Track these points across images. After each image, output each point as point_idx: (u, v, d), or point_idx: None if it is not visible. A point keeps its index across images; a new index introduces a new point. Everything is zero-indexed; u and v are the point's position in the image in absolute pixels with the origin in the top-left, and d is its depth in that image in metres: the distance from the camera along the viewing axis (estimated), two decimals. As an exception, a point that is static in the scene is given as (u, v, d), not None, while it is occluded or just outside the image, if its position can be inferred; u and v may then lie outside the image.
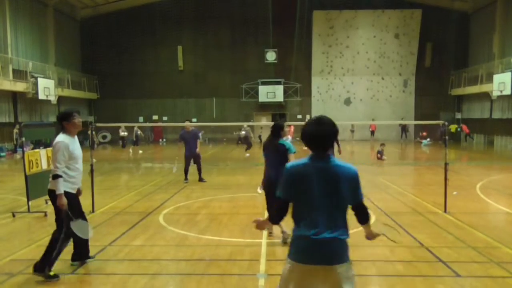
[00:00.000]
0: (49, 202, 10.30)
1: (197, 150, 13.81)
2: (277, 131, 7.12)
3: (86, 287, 5.46)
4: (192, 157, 13.76)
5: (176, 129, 35.41)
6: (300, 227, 3.31)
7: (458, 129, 33.15)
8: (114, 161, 21.87)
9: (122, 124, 19.06)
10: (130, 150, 27.65)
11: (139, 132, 31.94)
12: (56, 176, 5.60)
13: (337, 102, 38.95)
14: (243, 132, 30.56)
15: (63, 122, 5.85)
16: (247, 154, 23.84)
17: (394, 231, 4.45)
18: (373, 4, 36.31)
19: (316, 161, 3.34)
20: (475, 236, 7.53)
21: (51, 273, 5.63)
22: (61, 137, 5.75)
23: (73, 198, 5.81)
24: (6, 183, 14.64)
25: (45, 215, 9.20)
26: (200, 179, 13.86)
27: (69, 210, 5.66)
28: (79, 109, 36.69)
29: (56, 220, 5.83)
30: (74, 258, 6.15)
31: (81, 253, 6.18)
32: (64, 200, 5.61)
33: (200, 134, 15.00)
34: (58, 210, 5.74)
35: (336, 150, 13.67)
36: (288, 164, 3.46)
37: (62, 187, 5.61)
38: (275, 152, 7.08)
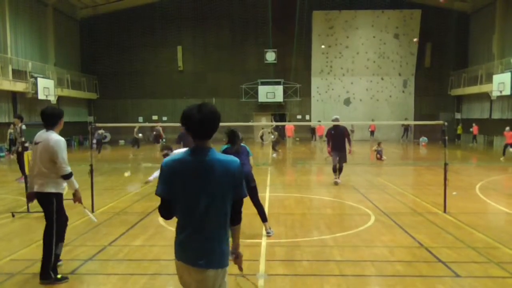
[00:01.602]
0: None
1: None
2: (232, 138, 7.41)
3: (85, 287, 5.46)
4: None
5: (176, 130, 35.40)
6: (177, 225, 3.12)
7: (470, 130, 32.87)
8: (134, 161, 21.86)
9: (137, 125, 19.12)
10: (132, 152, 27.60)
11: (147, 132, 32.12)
12: (68, 175, 5.53)
13: (336, 102, 38.96)
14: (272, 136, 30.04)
15: (59, 119, 5.77)
16: (274, 155, 23.47)
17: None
18: (373, 4, 36.33)
19: (194, 154, 3.14)
20: (475, 236, 7.54)
21: (59, 276, 5.59)
22: (56, 135, 5.60)
23: (62, 200, 5.75)
24: (5, 183, 14.64)
25: (45, 215, 9.20)
26: None
27: (56, 212, 5.59)
28: (78, 109, 36.83)
29: (46, 221, 5.71)
30: None
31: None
32: (80, 194, 5.74)
33: None
34: (48, 212, 5.62)
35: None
36: (165, 159, 3.22)
37: (76, 183, 5.67)
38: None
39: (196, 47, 38.74)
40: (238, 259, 3.51)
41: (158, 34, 38.06)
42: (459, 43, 36.94)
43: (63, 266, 6.05)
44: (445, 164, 9.44)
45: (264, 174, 15.76)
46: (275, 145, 24.25)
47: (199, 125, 3.09)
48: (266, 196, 11.49)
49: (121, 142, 37.09)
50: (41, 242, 7.27)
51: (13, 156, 18.77)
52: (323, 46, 37.87)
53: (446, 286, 5.36)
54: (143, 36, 37.98)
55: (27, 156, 9.34)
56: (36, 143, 5.63)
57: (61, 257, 5.94)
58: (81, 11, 37.84)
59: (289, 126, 29.36)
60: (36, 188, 5.60)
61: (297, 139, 34.50)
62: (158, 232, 7.94)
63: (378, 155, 20.74)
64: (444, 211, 9.29)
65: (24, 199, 9.60)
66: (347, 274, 5.75)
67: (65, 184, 5.73)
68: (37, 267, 6.07)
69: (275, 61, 37.89)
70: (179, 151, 7.16)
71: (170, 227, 8.29)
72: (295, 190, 12.87)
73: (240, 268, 3.58)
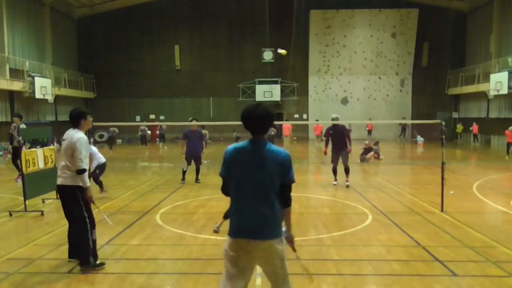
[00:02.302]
0: (47, 201, 10.37)
1: (204, 150, 13.80)
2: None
3: (83, 286, 5.45)
4: (193, 157, 13.46)
5: (174, 128, 35.48)
6: (233, 204, 3.67)
7: (470, 128, 32.84)
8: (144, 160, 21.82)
9: (144, 123, 19.40)
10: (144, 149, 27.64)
11: (148, 132, 32.35)
12: (82, 171, 5.78)
13: (334, 101, 38.99)
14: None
15: (82, 120, 6.06)
16: None
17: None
18: (370, 3, 36.37)
19: (252, 145, 3.66)
20: (472, 235, 7.55)
21: (98, 262, 5.97)
22: (81, 133, 5.96)
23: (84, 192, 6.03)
24: (3, 182, 14.60)
25: (42, 214, 9.20)
26: (197, 180, 13.73)
27: (84, 203, 5.93)
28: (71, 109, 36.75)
29: (72, 214, 5.96)
30: (72, 255, 6.17)
31: (78, 250, 6.20)
32: (92, 192, 5.94)
33: (205, 136, 14.77)
34: (75, 204, 5.88)
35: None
36: (228, 147, 3.77)
37: (88, 180, 5.88)
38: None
39: (194, 46, 38.72)
40: (290, 240, 3.90)
41: (156, 33, 38.05)
42: (457, 42, 37.02)
43: (61, 264, 6.05)
44: (443, 163, 9.46)
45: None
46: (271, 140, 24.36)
47: (256, 122, 3.68)
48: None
49: (119, 141, 37.04)
50: (38, 241, 7.30)
51: (9, 156, 18.73)
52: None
53: (443, 285, 5.37)
54: (141, 35, 37.95)
55: (25, 155, 9.32)
56: (64, 140, 6.02)
57: (59, 256, 5.97)
58: (78, 10, 37.79)
59: (286, 125, 29.37)
60: (61, 182, 5.94)
61: (294, 138, 34.53)
62: (155, 232, 7.93)
63: (376, 154, 20.72)
64: (442, 210, 9.30)
65: (21, 198, 9.59)
66: (344, 273, 5.75)
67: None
68: (34, 267, 6.09)
69: (272, 60, 37.88)
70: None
71: (167, 226, 8.30)
72: (292, 189, 12.83)
73: (293, 249, 3.98)
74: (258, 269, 5.92)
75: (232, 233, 3.63)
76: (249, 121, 3.70)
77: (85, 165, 5.84)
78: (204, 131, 24.93)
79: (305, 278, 4.60)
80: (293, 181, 3.72)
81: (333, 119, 13.39)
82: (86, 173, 5.84)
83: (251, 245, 3.54)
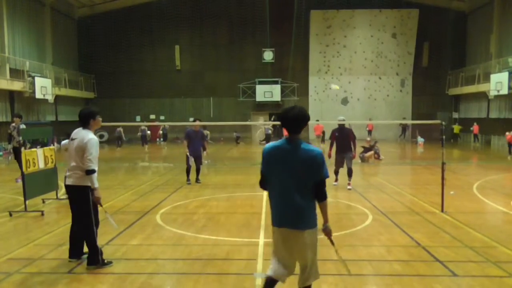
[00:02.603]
0: (47, 202, 10.38)
1: (206, 150, 13.88)
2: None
3: (83, 286, 5.45)
4: (194, 156, 13.44)
5: (174, 129, 35.50)
6: (271, 198, 4.16)
7: (471, 129, 32.76)
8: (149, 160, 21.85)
9: (144, 124, 19.63)
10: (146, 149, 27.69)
11: (148, 132, 32.40)
12: (91, 171, 5.80)
13: (334, 101, 38.98)
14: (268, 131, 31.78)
15: (90, 120, 6.06)
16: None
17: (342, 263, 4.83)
18: (371, 3, 36.34)
19: (288, 143, 4.05)
20: (472, 235, 7.55)
21: (105, 261, 6.06)
22: (91, 134, 5.98)
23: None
24: (3, 182, 14.61)
25: (42, 214, 9.20)
26: (197, 180, 13.73)
27: (92, 204, 5.98)
28: (76, 108, 36.76)
29: (79, 214, 6.02)
30: (72, 255, 6.18)
31: (79, 250, 6.23)
32: (100, 193, 5.96)
33: (207, 137, 14.88)
34: (85, 204, 5.92)
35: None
36: (266, 145, 4.24)
37: (97, 181, 5.89)
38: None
39: (194, 46, 38.71)
40: (327, 232, 4.28)
41: (156, 33, 38.04)
42: (457, 43, 37.00)
43: (61, 265, 6.05)
44: (443, 163, 9.46)
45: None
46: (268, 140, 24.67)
47: (291, 122, 4.04)
48: (263, 194, 11.51)
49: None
50: (39, 241, 7.30)
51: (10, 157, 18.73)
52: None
53: (443, 285, 5.37)
54: (141, 35, 37.94)
55: (25, 155, 9.32)
56: (72, 139, 6.04)
57: (59, 256, 6.02)
58: (78, 10, 37.79)
59: (318, 125, 29.47)
60: (71, 182, 5.96)
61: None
62: (156, 232, 7.93)
63: (376, 155, 20.71)
64: (442, 211, 9.30)
65: (21, 198, 9.59)
66: (345, 274, 5.73)
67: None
68: (34, 267, 6.09)
69: (272, 60, 37.90)
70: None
71: (168, 226, 8.30)
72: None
73: (331, 242, 4.41)
74: (257, 269, 5.95)
75: (275, 222, 4.15)
76: (285, 121, 4.08)
77: (95, 166, 5.84)
78: (206, 132, 25.04)
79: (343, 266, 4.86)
80: (326, 176, 4.05)
81: (339, 121, 13.03)
82: (95, 174, 5.84)
83: (290, 233, 4.05)
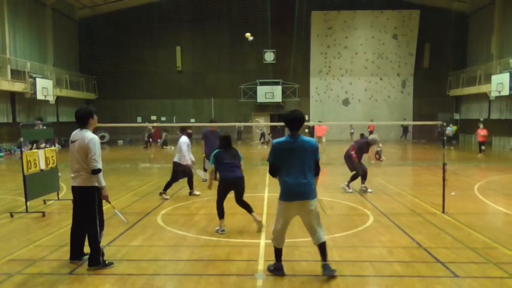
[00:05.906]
0: (48, 203, 10.39)
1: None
2: (224, 143, 8.39)
3: (84, 287, 5.46)
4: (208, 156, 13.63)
5: (175, 130, 35.44)
6: (285, 180, 5.51)
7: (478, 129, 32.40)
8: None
9: (150, 125, 19.66)
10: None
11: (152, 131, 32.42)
12: (98, 171, 5.84)
13: (335, 102, 38.99)
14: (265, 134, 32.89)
15: (90, 119, 6.09)
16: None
17: None
18: (372, 4, 36.33)
19: (292, 138, 5.56)
20: (473, 236, 7.54)
21: (107, 262, 6.07)
22: (91, 134, 6.01)
23: (101, 193, 6.07)
24: (4, 183, 14.61)
25: (43, 215, 9.20)
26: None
27: (98, 205, 6.03)
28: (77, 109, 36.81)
29: (84, 215, 6.02)
30: (74, 256, 6.20)
31: (80, 251, 6.24)
32: (107, 191, 6.04)
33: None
34: (91, 205, 5.95)
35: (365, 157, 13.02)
36: (274, 141, 5.74)
37: (103, 179, 5.94)
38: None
39: (195, 47, 38.73)
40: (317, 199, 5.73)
41: (157, 35, 38.06)
42: (458, 44, 36.96)
43: (62, 266, 6.06)
44: (444, 164, 9.45)
45: (263, 173, 15.73)
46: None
47: (293, 122, 5.55)
48: (265, 196, 11.51)
49: (120, 142, 37.13)
50: (40, 242, 7.30)
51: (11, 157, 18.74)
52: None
53: (444, 286, 5.37)
54: (142, 36, 37.96)
55: (26, 156, 9.33)
56: (73, 142, 6.04)
57: (60, 257, 6.05)
58: (79, 11, 37.83)
59: (320, 126, 29.45)
60: (77, 183, 5.97)
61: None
62: (157, 233, 7.93)
63: (377, 155, 20.65)
64: (443, 212, 9.29)
65: (22, 199, 9.60)
66: (346, 275, 5.75)
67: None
68: (36, 268, 6.09)
69: (274, 62, 37.86)
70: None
71: (169, 227, 8.30)
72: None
73: (322, 208, 6.13)
74: (258, 269, 5.96)
75: (285, 198, 5.51)
76: (288, 121, 5.56)
77: (100, 165, 5.88)
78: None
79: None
80: (319, 159, 5.66)
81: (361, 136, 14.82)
82: (101, 173, 5.89)
83: (301, 204, 5.48)
